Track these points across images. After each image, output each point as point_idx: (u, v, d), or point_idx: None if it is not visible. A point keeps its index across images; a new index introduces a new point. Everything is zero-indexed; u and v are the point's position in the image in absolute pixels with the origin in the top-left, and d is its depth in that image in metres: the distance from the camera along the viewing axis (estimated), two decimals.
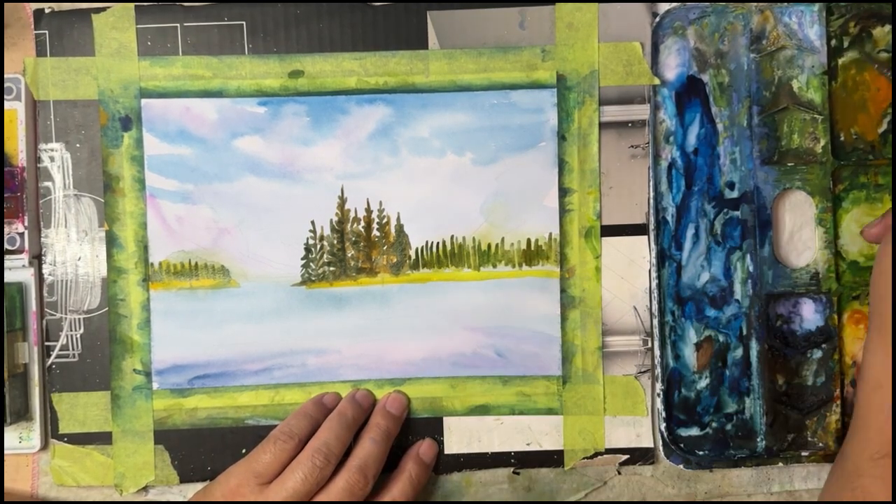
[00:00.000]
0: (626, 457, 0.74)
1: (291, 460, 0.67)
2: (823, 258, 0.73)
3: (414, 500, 0.70)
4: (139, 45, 0.72)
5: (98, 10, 0.72)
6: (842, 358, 0.73)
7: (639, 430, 0.74)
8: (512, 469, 0.74)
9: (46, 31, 0.72)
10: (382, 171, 0.73)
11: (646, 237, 0.73)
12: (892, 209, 0.72)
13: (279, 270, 0.73)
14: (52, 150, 0.72)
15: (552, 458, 0.74)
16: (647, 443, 0.74)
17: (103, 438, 0.73)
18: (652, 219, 0.73)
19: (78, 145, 0.73)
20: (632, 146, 0.73)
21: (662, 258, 0.73)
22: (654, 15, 0.73)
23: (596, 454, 0.74)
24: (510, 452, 0.74)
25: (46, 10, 0.72)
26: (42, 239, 0.73)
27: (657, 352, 0.73)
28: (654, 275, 0.73)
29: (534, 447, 0.74)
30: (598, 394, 0.74)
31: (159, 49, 0.72)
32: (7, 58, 0.73)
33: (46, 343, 0.73)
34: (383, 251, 0.73)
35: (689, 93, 0.73)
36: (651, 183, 0.73)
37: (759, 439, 0.72)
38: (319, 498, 0.65)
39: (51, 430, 0.73)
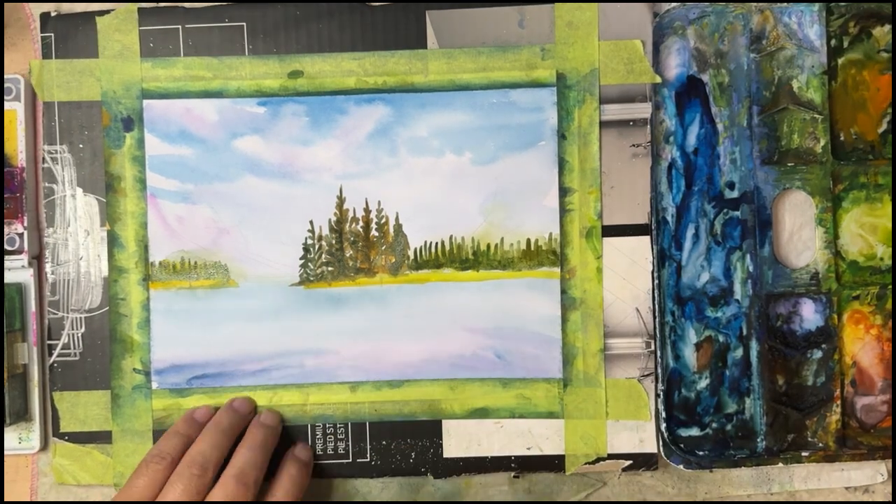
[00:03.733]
0: (628, 462, 0.73)
1: (166, 480, 0.65)
2: (823, 258, 0.73)
3: (298, 499, 0.69)
4: (142, 46, 0.73)
5: (102, 13, 0.73)
6: (842, 358, 0.73)
7: (642, 434, 0.73)
8: (512, 474, 0.74)
9: (52, 34, 0.73)
10: (381, 171, 0.73)
11: (648, 237, 0.73)
12: (893, 209, 0.72)
13: (278, 270, 0.73)
14: (55, 150, 0.73)
15: (553, 463, 0.74)
16: (650, 448, 0.73)
17: (104, 437, 0.73)
18: (652, 219, 0.73)
19: (81, 146, 0.73)
20: (633, 145, 0.73)
21: (662, 258, 0.73)
22: (655, 14, 0.73)
23: (598, 459, 0.73)
24: (510, 457, 0.74)
25: (52, 14, 0.73)
26: (45, 239, 0.73)
27: (657, 352, 0.72)
28: (654, 275, 0.73)
29: (534, 452, 0.73)
30: (599, 397, 0.73)
31: (161, 51, 0.73)
32: (7, 58, 0.74)
33: (48, 342, 0.73)
34: (382, 251, 0.73)
35: (689, 93, 0.73)
36: (651, 182, 0.73)
37: (759, 439, 0.72)
38: None
39: (52, 428, 0.73)
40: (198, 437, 0.67)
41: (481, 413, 0.73)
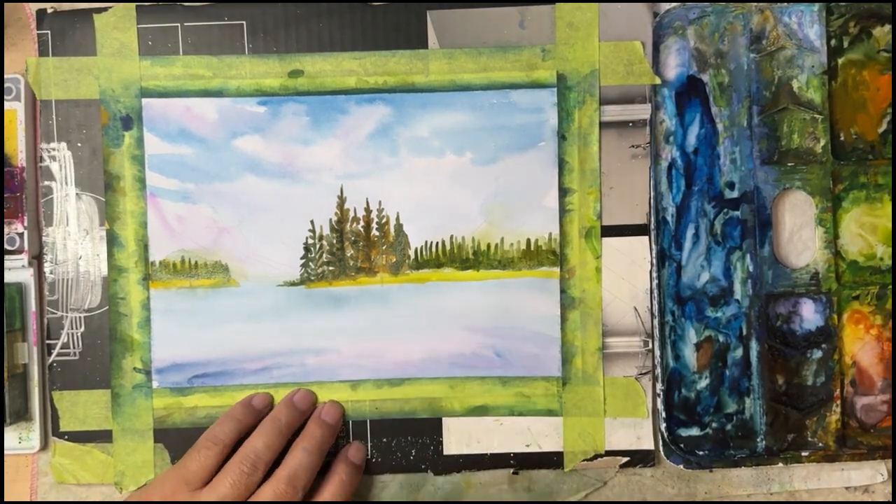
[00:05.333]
0: (626, 459, 0.74)
1: (219, 465, 0.67)
2: (823, 258, 0.73)
3: (346, 501, 0.70)
4: (140, 44, 0.73)
5: (100, 10, 0.73)
6: (841, 358, 0.73)
7: (639, 432, 0.74)
8: (511, 470, 0.74)
9: (49, 31, 0.72)
10: (382, 171, 0.73)
11: (646, 237, 0.73)
12: (893, 209, 0.72)
13: (278, 270, 0.73)
14: (53, 149, 0.72)
15: (552, 460, 0.74)
16: (647, 445, 0.74)
17: (104, 437, 0.73)
18: (652, 219, 0.73)
19: (79, 144, 0.73)
20: (632, 146, 0.73)
21: (662, 258, 0.73)
22: (655, 14, 0.73)
23: (596, 456, 0.74)
24: (510, 454, 0.74)
25: (49, 11, 0.72)
26: (43, 238, 0.73)
27: (657, 352, 0.73)
28: (654, 275, 0.73)
29: (533, 448, 0.74)
30: (598, 395, 0.73)
31: (160, 49, 0.73)
32: (7, 58, 0.73)
33: (47, 341, 0.73)
34: (382, 251, 0.73)
35: (689, 93, 0.73)
36: (651, 183, 0.73)
37: (759, 439, 0.72)
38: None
39: (52, 428, 0.73)
40: (254, 432, 0.69)
41: (481, 411, 0.74)
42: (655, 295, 0.73)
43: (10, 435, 0.73)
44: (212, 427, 0.69)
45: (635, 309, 0.73)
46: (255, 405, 0.72)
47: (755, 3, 0.73)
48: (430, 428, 0.74)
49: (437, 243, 0.73)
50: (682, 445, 0.73)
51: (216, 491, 0.65)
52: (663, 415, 0.73)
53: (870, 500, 0.74)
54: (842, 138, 0.74)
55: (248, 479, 0.65)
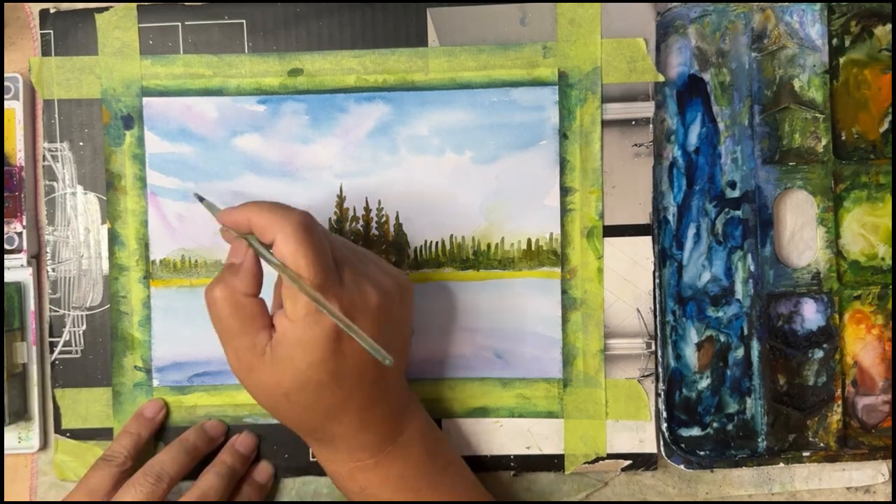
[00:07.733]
0: (628, 462, 0.73)
1: (122, 478, 0.67)
2: (825, 258, 0.73)
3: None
4: (141, 44, 0.73)
5: (101, 10, 0.73)
6: (843, 358, 0.73)
7: (642, 435, 0.73)
8: (512, 473, 0.73)
9: (51, 31, 0.73)
10: (381, 170, 0.72)
11: (649, 238, 0.73)
12: (893, 208, 0.72)
13: None
14: (56, 148, 0.72)
15: (552, 463, 0.73)
16: (650, 448, 0.73)
17: (105, 434, 0.73)
18: (653, 218, 0.72)
19: (81, 144, 0.73)
20: (635, 144, 0.72)
21: (664, 258, 0.73)
22: (658, 12, 0.72)
23: (597, 459, 0.73)
24: (509, 456, 0.73)
25: (52, 11, 0.73)
26: (46, 236, 0.73)
27: (658, 352, 0.72)
28: (655, 274, 0.72)
29: (534, 451, 0.73)
30: (599, 397, 0.73)
31: (161, 48, 0.73)
32: (6, 57, 0.74)
33: (50, 339, 0.73)
34: (382, 250, 0.73)
35: (691, 92, 0.73)
36: (653, 182, 0.72)
37: (760, 439, 0.72)
38: None
39: (54, 425, 0.73)
40: (163, 450, 0.69)
41: (481, 412, 0.73)
42: (657, 295, 0.72)
43: (10, 435, 0.73)
44: (110, 445, 0.70)
45: (638, 310, 0.73)
46: (147, 414, 0.73)
47: (756, 3, 0.72)
48: None
49: (437, 243, 0.73)
50: (683, 445, 0.73)
51: (122, 500, 0.65)
52: (664, 415, 0.72)
53: (871, 500, 0.74)
54: (843, 138, 0.73)
55: (152, 489, 0.65)
